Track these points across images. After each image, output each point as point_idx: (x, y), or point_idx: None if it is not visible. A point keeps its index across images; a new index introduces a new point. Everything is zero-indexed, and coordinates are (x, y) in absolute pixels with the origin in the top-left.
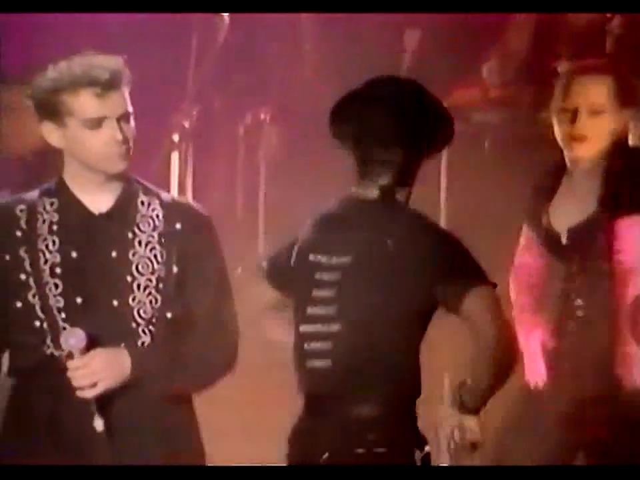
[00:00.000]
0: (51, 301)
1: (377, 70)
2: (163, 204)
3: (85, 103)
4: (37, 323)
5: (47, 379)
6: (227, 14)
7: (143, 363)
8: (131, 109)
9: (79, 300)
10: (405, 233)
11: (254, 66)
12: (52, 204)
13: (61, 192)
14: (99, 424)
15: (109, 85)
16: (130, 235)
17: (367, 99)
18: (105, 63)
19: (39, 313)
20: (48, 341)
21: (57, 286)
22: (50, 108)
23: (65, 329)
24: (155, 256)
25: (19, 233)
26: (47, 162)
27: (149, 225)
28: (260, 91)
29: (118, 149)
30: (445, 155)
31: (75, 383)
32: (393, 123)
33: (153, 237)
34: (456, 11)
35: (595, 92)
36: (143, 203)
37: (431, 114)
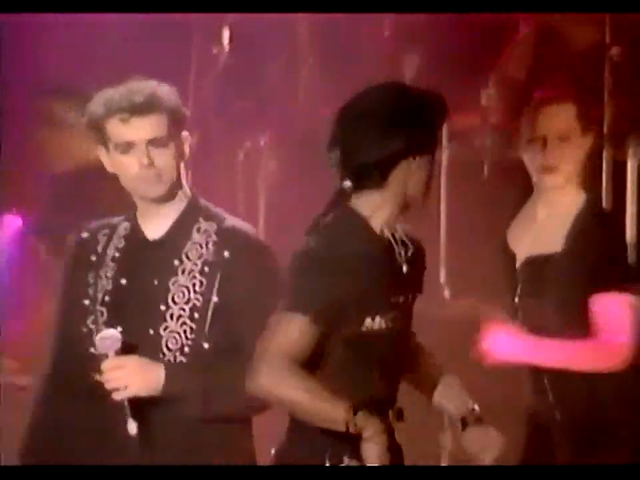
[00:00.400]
0: (100, 329)
1: None
2: (219, 230)
3: (114, 128)
4: (92, 350)
5: (90, 407)
6: (226, 43)
7: (178, 380)
8: (166, 134)
9: (119, 329)
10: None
11: (253, 92)
12: (125, 229)
13: (133, 218)
14: (132, 427)
15: (137, 110)
16: (176, 263)
17: (347, 119)
18: (143, 88)
19: (95, 340)
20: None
21: (102, 314)
22: (97, 133)
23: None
24: (194, 285)
25: (93, 258)
26: (84, 182)
27: (197, 252)
28: (259, 117)
29: (146, 174)
30: (444, 179)
31: (108, 385)
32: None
33: (196, 265)
34: (454, 11)
35: (561, 119)
36: (199, 229)
37: (410, 113)
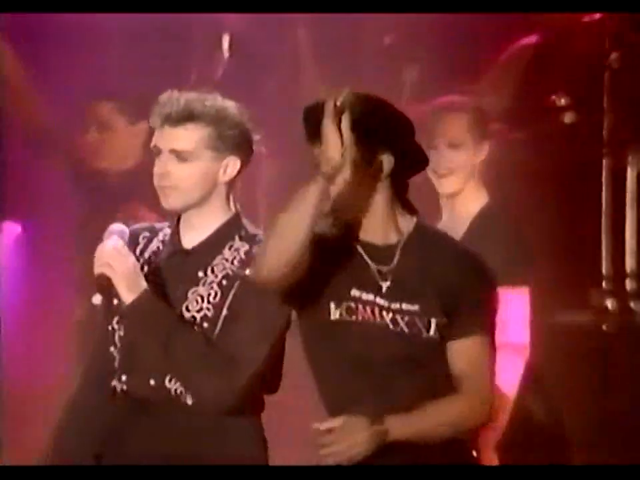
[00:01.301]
0: (120, 330)
1: None
2: (249, 252)
3: (155, 133)
4: (113, 350)
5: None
6: (226, 51)
7: (149, 303)
8: (195, 149)
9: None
10: None
11: (252, 101)
12: (165, 235)
13: (175, 224)
14: (97, 298)
15: (169, 119)
16: (200, 274)
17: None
18: (186, 99)
19: (116, 341)
20: (115, 374)
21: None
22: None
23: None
24: (209, 295)
25: None
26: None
27: (222, 266)
28: (258, 125)
29: (158, 183)
30: None
31: (97, 262)
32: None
33: (217, 277)
34: (454, 11)
35: (454, 127)
36: (231, 247)
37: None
